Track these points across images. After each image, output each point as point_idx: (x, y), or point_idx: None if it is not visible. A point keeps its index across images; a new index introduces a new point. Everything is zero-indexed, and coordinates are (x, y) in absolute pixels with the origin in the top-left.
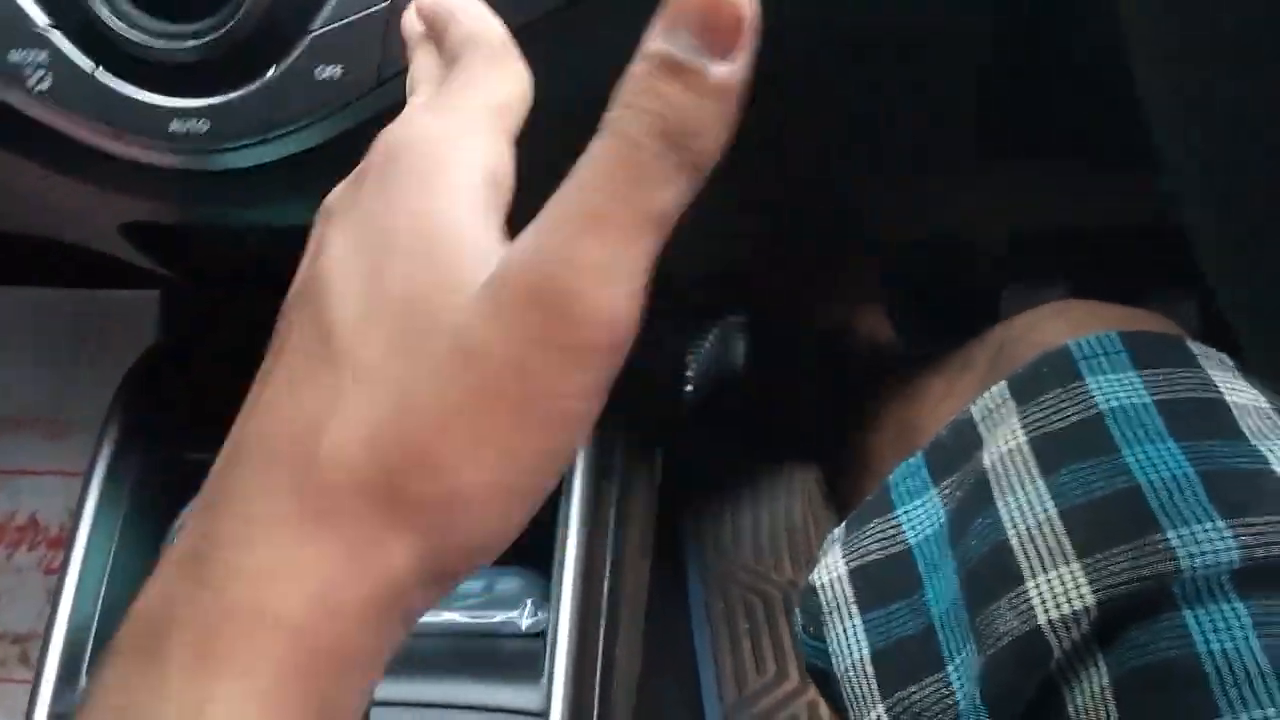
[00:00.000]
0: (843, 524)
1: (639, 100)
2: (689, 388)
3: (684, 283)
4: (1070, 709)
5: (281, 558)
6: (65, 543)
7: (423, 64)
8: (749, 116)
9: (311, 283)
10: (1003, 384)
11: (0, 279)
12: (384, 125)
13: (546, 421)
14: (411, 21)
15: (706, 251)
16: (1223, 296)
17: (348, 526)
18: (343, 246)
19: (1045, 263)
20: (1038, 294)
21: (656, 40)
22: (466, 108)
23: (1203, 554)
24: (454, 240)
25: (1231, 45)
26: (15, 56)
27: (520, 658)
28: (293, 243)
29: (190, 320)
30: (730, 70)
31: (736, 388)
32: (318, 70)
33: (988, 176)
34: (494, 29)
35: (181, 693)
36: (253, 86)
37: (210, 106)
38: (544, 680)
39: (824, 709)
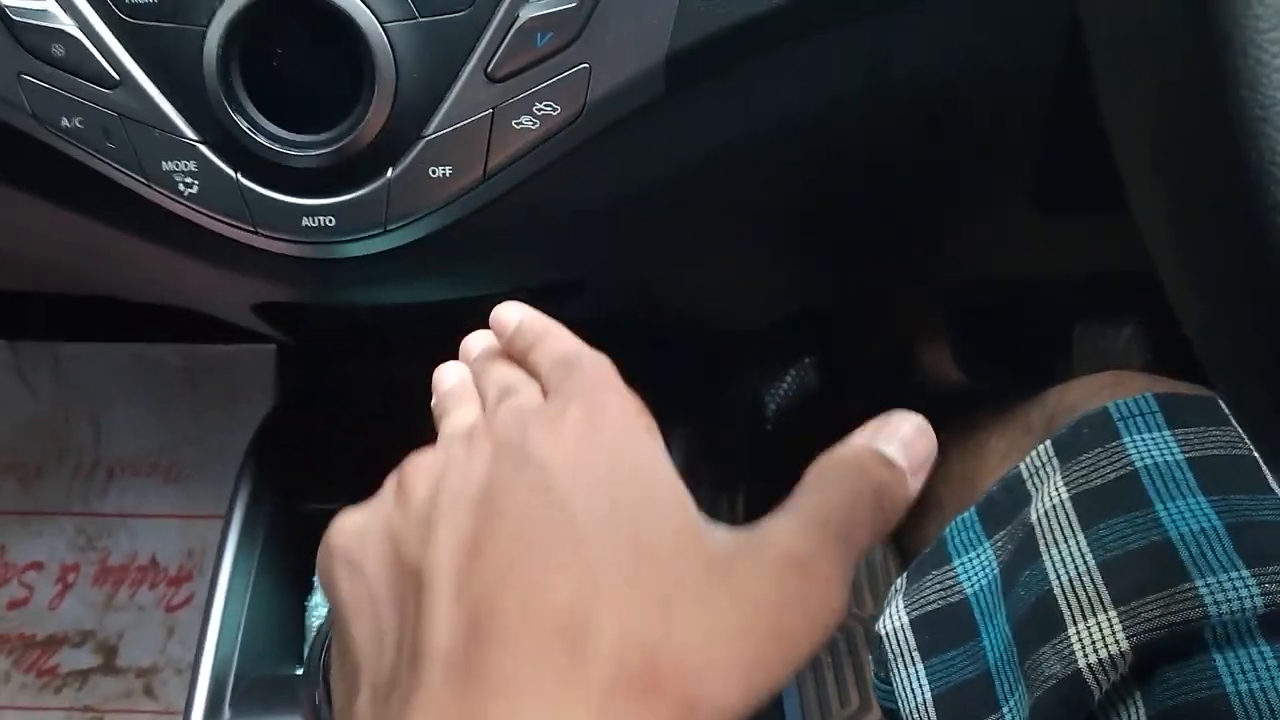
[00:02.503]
0: (904, 575)
1: (859, 467)
2: (767, 426)
3: (763, 328)
4: None
5: None
6: (188, 581)
7: (507, 372)
8: (799, 179)
9: (539, 459)
10: (1048, 443)
11: (115, 336)
12: (486, 217)
13: (784, 662)
14: (471, 344)
15: (763, 306)
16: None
17: (612, 714)
18: (572, 448)
19: (1117, 301)
20: (1108, 332)
21: (879, 442)
22: (621, 388)
23: (1229, 600)
24: (675, 493)
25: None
26: (167, 166)
27: None
28: (398, 318)
29: (306, 378)
30: (917, 484)
31: (812, 425)
32: (431, 170)
33: (1055, 221)
34: (591, 349)
35: None
36: (373, 186)
37: (337, 204)
38: None
39: None
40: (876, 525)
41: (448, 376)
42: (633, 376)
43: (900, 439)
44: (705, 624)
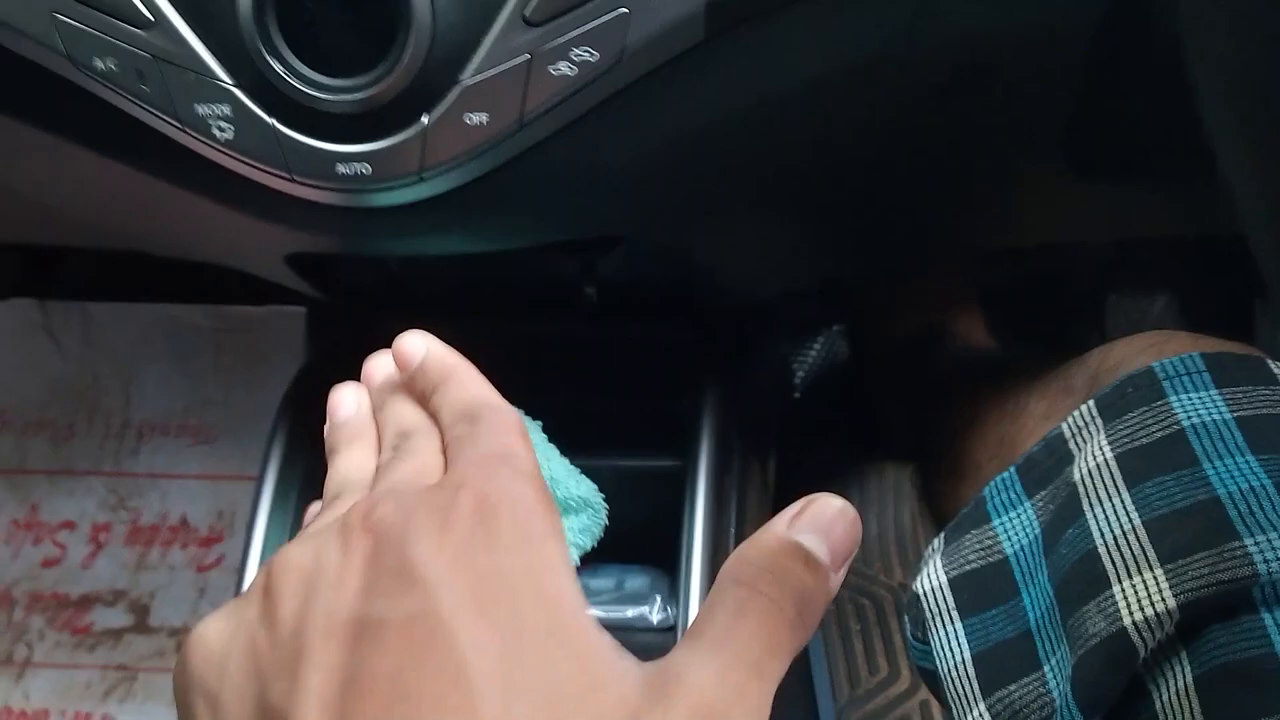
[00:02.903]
0: (941, 535)
1: (779, 572)
2: (795, 394)
3: (791, 296)
4: (1157, 704)
5: None
6: (218, 541)
7: (407, 413)
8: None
9: (419, 623)
10: (1091, 403)
11: (144, 296)
12: (522, 166)
13: None
14: (374, 369)
15: (799, 269)
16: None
17: None
18: (467, 591)
19: (1150, 268)
20: (1141, 299)
21: (800, 534)
22: (527, 472)
23: (1278, 559)
24: (577, 625)
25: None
26: (201, 110)
27: (652, 649)
28: (429, 271)
29: (335, 337)
30: (838, 580)
31: (840, 393)
32: (467, 116)
33: (1089, 187)
34: (497, 397)
35: None
36: (409, 132)
37: (372, 151)
38: None
39: (935, 709)
40: (794, 644)
41: (344, 404)
42: (666, 342)
43: (822, 526)
44: None
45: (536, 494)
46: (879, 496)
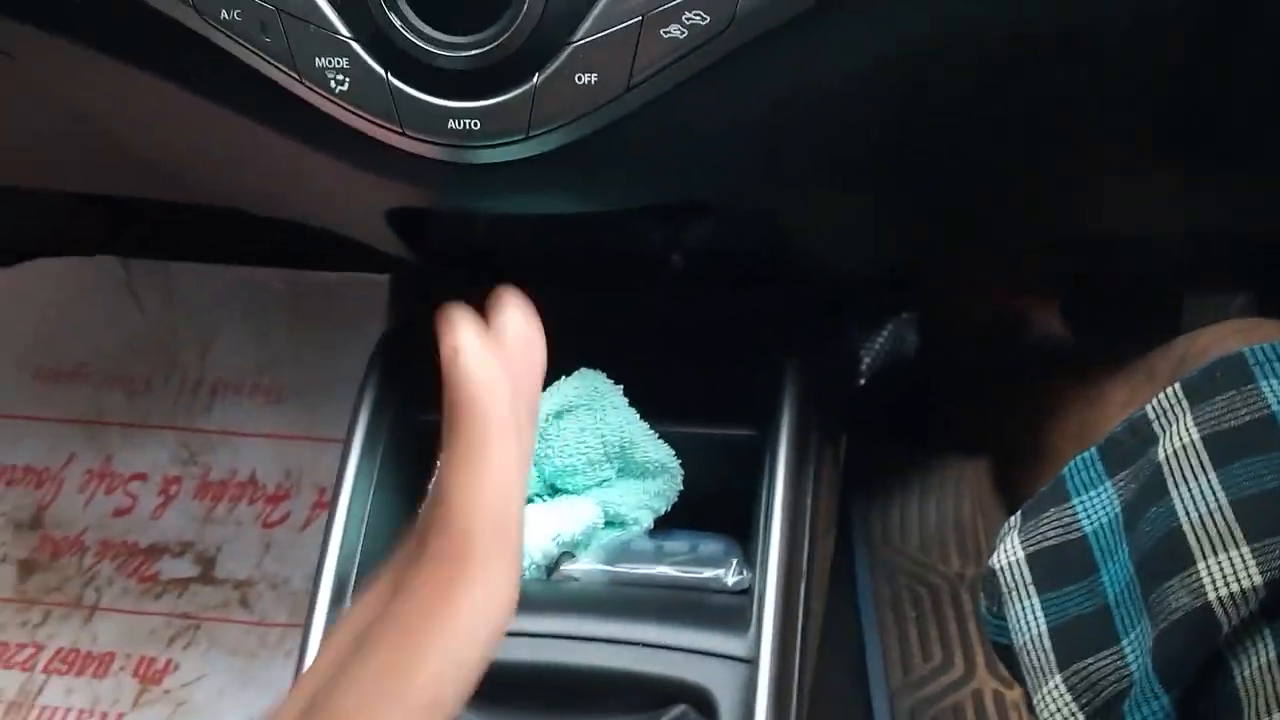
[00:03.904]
0: (1019, 512)
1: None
2: (861, 381)
3: (864, 277)
4: (1238, 679)
5: None
6: (285, 499)
7: None
8: (939, 108)
9: None
10: (1177, 385)
11: (224, 258)
12: (625, 128)
13: None
14: None
15: (888, 244)
16: None
17: None
18: None
19: (1229, 266)
20: (1219, 299)
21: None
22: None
23: None
24: None
25: None
26: (320, 63)
27: (729, 610)
28: (519, 233)
29: (416, 304)
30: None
31: (908, 382)
32: (577, 77)
33: (1170, 177)
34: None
35: None
36: (520, 90)
37: (483, 108)
38: (753, 630)
39: (988, 697)
40: None
41: None
42: (747, 314)
43: None
44: None
45: None
46: (939, 487)
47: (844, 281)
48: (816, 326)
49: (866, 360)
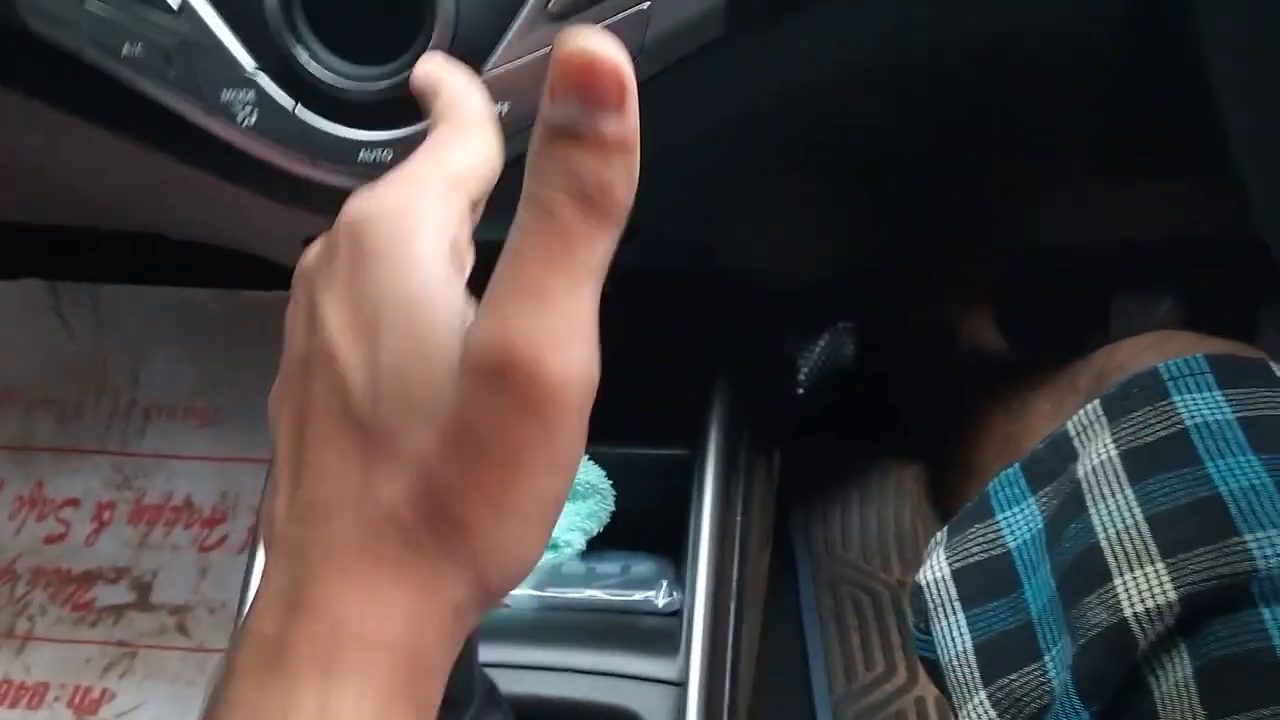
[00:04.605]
0: (945, 529)
1: (547, 168)
2: (799, 390)
3: (796, 291)
4: (1155, 694)
5: (373, 594)
6: (221, 522)
7: None
8: (861, 129)
9: (321, 354)
10: (1096, 402)
11: (154, 279)
12: None
13: (537, 474)
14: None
15: (817, 261)
16: None
17: (416, 573)
18: (338, 320)
19: (1155, 271)
20: (1146, 302)
21: (549, 109)
22: (424, 178)
23: (1278, 555)
24: (428, 312)
25: None
26: (226, 96)
27: (658, 632)
28: None
29: None
30: (621, 128)
31: (845, 390)
32: None
33: (1105, 186)
34: (469, 101)
35: (312, 698)
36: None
37: (394, 138)
38: (682, 653)
39: (930, 704)
40: (603, 225)
41: None
42: (676, 332)
43: (572, 87)
44: (469, 469)
45: (407, 201)
46: (880, 494)
47: (775, 296)
48: (748, 340)
49: (804, 369)
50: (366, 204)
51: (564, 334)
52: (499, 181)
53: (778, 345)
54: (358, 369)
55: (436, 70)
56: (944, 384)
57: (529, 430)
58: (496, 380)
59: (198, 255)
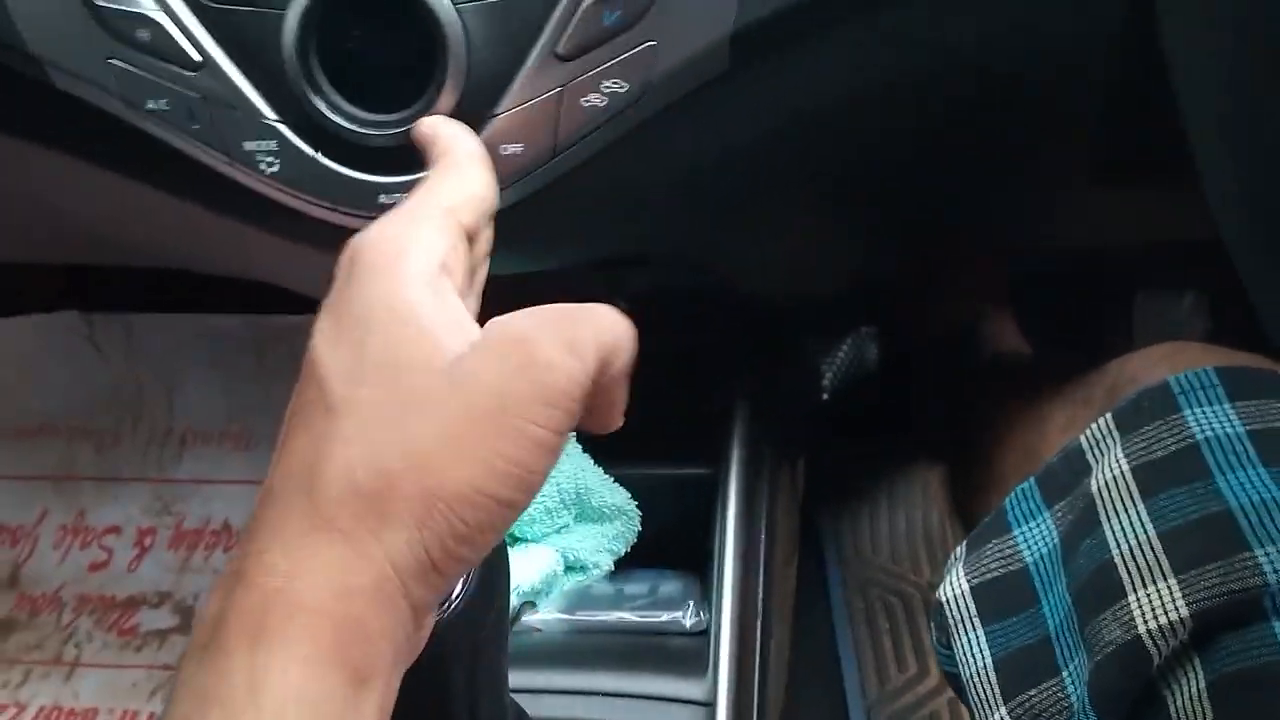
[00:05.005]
0: (964, 544)
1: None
2: (824, 396)
3: (820, 298)
4: (1171, 709)
5: (304, 560)
6: None
7: None
8: (864, 150)
9: (310, 356)
10: (1108, 416)
11: (185, 307)
12: (554, 192)
13: (519, 439)
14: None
15: (828, 275)
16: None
17: (348, 530)
18: (329, 326)
19: (1176, 271)
20: (1167, 302)
21: None
22: (418, 208)
23: None
24: (413, 314)
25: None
26: (249, 145)
27: (686, 653)
28: None
29: None
30: None
31: (869, 395)
32: (502, 148)
33: (1112, 192)
34: (461, 143)
35: (241, 669)
36: None
37: (412, 181)
38: (709, 674)
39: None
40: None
41: None
42: (696, 352)
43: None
44: (435, 425)
45: (401, 229)
46: (907, 497)
47: (793, 308)
48: (769, 352)
49: (829, 374)
50: (368, 232)
51: (573, 344)
52: (513, 218)
53: (799, 354)
54: (339, 362)
55: (432, 122)
56: (965, 387)
57: (522, 394)
58: (509, 346)
59: (225, 282)
